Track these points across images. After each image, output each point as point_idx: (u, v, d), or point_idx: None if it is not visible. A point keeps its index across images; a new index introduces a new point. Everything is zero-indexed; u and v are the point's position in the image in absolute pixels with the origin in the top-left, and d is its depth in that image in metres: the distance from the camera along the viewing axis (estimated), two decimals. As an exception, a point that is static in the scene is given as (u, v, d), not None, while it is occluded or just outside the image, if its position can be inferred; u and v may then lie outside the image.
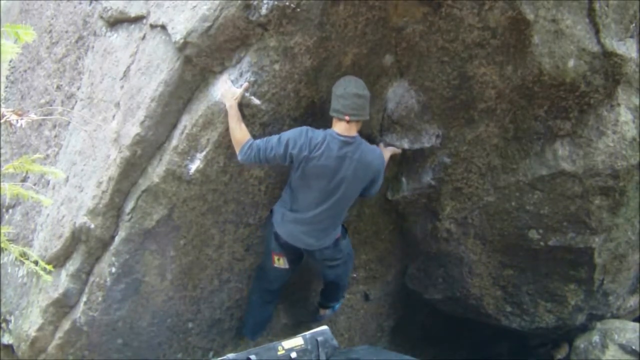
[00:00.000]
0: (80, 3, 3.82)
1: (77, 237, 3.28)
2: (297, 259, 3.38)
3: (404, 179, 3.65)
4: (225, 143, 3.06)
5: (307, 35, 2.88)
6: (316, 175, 3.00)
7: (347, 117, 2.93)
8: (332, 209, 3.13)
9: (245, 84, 2.90)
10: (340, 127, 2.96)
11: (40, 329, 3.40)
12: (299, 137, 2.93)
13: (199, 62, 2.93)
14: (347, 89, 2.92)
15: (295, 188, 3.11)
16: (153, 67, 3.04)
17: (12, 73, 4.50)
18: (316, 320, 3.85)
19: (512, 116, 3.33)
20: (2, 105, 4.33)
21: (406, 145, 3.45)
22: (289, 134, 2.95)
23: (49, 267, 2.46)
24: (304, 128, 2.98)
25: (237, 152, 2.95)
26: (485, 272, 3.91)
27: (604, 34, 3.13)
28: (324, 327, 3.09)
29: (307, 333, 2.99)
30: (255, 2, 2.80)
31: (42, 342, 3.44)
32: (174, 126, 3.08)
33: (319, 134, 2.96)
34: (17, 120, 2.39)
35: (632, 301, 4.30)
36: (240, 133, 2.93)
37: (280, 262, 3.33)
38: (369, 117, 3.05)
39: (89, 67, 3.60)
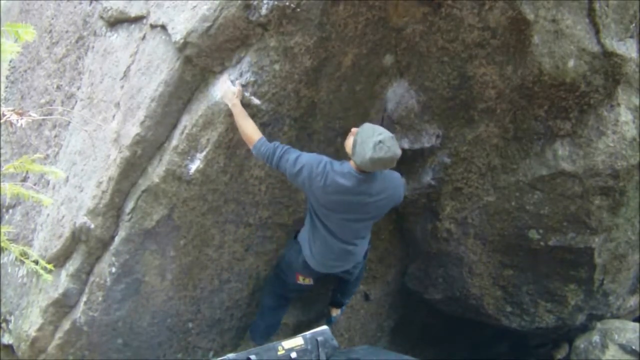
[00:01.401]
0: (80, 3, 3.82)
1: (77, 237, 3.28)
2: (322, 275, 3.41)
3: (404, 179, 3.65)
4: (225, 143, 3.06)
5: (307, 35, 2.88)
6: (335, 209, 2.94)
7: (363, 170, 2.84)
8: (357, 235, 3.12)
9: (239, 83, 2.89)
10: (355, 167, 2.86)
11: (40, 329, 3.40)
12: (316, 167, 2.81)
13: (199, 62, 2.93)
14: (381, 154, 2.70)
15: (318, 217, 3.03)
16: (153, 67, 3.04)
17: (12, 73, 4.50)
18: (330, 323, 3.86)
19: (512, 116, 3.33)
20: (2, 105, 4.33)
21: (406, 145, 3.45)
22: (306, 159, 2.82)
23: (49, 266, 2.46)
24: (324, 160, 2.85)
25: (250, 147, 2.91)
26: (485, 272, 3.91)
27: (604, 34, 3.13)
28: (324, 327, 3.10)
29: (307, 333, 2.99)
30: (255, 2, 2.80)
31: (42, 342, 3.44)
32: (174, 126, 3.08)
33: (337, 168, 2.84)
34: (17, 120, 2.39)
35: (632, 301, 4.30)
36: (249, 129, 2.87)
37: (306, 281, 3.36)
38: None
39: (89, 67, 3.60)
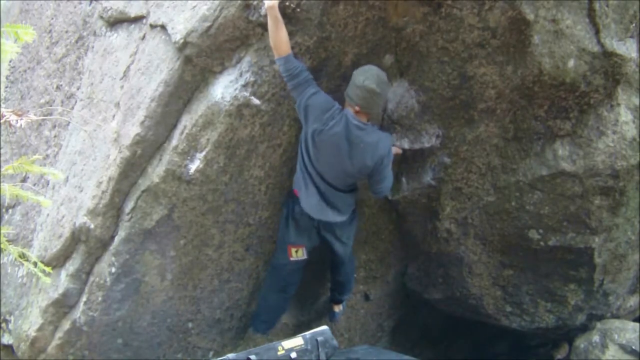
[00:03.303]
0: (80, 3, 3.82)
1: (77, 237, 3.28)
2: (314, 245, 3.39)
3: (404, 179, 3.65)
4: (225, 143, 3.06)
5: (307, 35, 2.88)
6: (326, 151, 3.00)
7: (357, 107, 2.95)
8: (345, 183, 3.17)
9: None
10: (352, 111, 2.98)
11: (40, 329, 3.40)
12: (327, 109, 2.91)
13: (199, 62, 2.93)
14: (366, 82, 2.90)
15: (310, 160, 3.08)
16: (153, 67, 3.04)
17: (12, 73, 4.50)
18: (333, 320, 3.87)
19: (512, 116, 3.33)
20: (2, 105, 4.33)
21: (406, 145, 3.45)
22: (319, 100, 2.90)
23: (47, 269, 2.46)
24: (336, 106, 2.95)
25: (276, 56, 2.82)
26: (485, 272, 3.91)
27: (604, 34, 3.12)
28: (324, 327, 3.09)
29: (307, 333, 2.99)
30: (255, 2, 2.80)
31: (42, 342, 3.44)
32: (174, 126, 3.08)
33: (338, 112, 2.95)
34: (17, 120, 2.39)
35: (632, 301, 4.30)
36: (282, 38, 2.75)
37: (299, 254, 3.34)
38: (380, 112, 3.06)
39: (89, 67, 3.60)
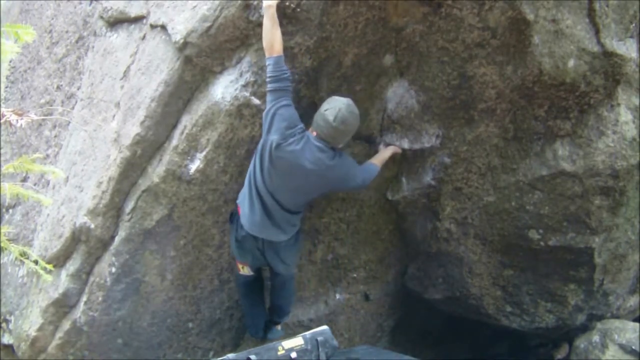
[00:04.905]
0: (80, 3, 3.82)
1: (77, 237, 3.28)
2: (259, 265, 3.34)
3: (404, 179, 3.65)
4: (225, 143, 3.06)
5: (307, 35, 2.88)
6: (283, 169, 2.91)
7: (314, 132, 2.90)
8: (296, 204, 3.09)
9: None
10: (313, 134, 2.92)
11: (40, 329, 3.40)
12: (293, 125, 2.84)
13: (199, 62, 2.93)
14: (327, 112, 2.84)
15: (262, 175, 2.97)
16: (153, 67, 3.04)
17: (12, 73, 4.50)
18: (269, 334, 3.63)
19: (512, 116, 3.33)
20: (2, 105, 4.33)
21: (406, 145, 3.45)
22: (288, 113, 2.82)
23: (49, 267, 2.46)
24: (299, 124, 2.88)
25: (267, 55, 2.78)
26: (485, 272, 3.91)
27: (604, 34, 3.13)
28: (324, 327, 3.09)
29: (307, 333, 2.99)
30: (255, 2, 2.80)
31: (42, 342, 3.44)
32: (174, 126, 3.08)
33: (302, 132, 2.88)
34: (17, 120, 2.39)
35: (632, 301, 4.30)
36: (275, 39, 2.73)
37: (245, 270, 3.31)
38: (340, 146, 2.97)
39: (89, 67, 3.60)
